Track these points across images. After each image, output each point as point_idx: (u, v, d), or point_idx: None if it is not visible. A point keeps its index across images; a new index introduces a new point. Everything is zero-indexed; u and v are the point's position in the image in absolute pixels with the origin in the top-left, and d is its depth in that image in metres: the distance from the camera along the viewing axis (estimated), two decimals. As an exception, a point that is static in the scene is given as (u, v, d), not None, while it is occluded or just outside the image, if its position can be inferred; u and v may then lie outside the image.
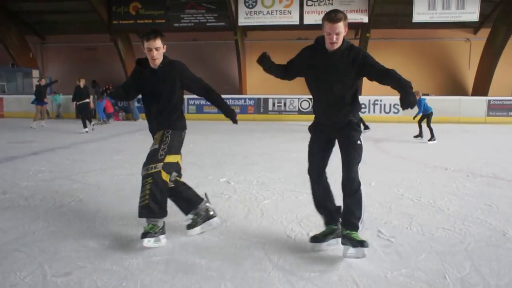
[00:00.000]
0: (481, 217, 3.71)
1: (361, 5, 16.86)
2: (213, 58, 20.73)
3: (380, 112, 16.13)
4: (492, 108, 15.98)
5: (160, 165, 3.00)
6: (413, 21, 16.89)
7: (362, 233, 2.85)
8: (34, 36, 21.76)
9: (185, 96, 13.64)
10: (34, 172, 5.82)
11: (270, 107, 16.83)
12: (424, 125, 9.87)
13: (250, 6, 17.37)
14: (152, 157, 3.04)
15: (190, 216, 3.27)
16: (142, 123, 15.37)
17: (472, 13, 16.36)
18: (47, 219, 3.65)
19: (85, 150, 8.23)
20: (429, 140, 9.43)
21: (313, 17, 17.12)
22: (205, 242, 3.10)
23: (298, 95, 16.63)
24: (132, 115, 17.00)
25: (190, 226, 3.25)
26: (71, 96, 17.41)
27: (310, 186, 3.08)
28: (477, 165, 6.37)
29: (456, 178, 5.40)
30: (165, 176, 3.03)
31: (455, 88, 19.61)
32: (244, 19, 17.52)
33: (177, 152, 3.22)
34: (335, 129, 2.91)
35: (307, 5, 17.23)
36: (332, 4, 16.90)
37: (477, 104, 16.21)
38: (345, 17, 2.75)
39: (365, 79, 2.92)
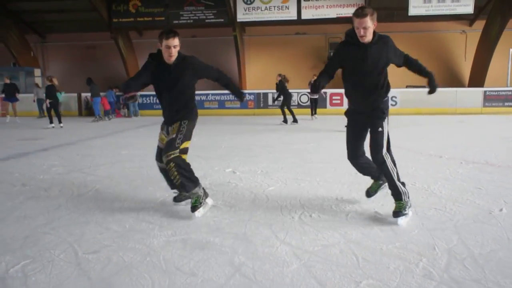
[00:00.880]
0: (470, 198, 4.00)
1: (357, 0, 17.10)
2: (212, 54, 20.94)
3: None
4: (488, 99, 16.29)
5: (177, 151, 3.42)
6: (409, 14, 17.17)
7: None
8: (34, 35, 21.97)
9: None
10: (48, 166, 6.10)
11: (270, 102, 17.10)
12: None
13: (248, 2, 17.59)
14: (170, 146, 3.42)
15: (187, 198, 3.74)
16: (142, 119, 15.68)
17: (467, 6, 16.62)
18: (69, 207, 3.94)
19: (92, 145, 8.51)
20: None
21: (310, 12, 17.37)
22: (216, 224, 3.39)
23: (297, 89, 16.88)
24: (128, 112, 17.21)
25: (194, 208, 3.53)
26: (72, 94, 17.77)
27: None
28: (470, 153, 6.67)
29: (450, 165, 5.69)
30: (184, 157, 3.50)
31: (451, 79, 19.89)
32: (242, 15, 17.75)
33: (190, 138, 3.62)
34: (366, 115, 3.36)
35: (304, 0, 17.45)
36: (329, -2, 17.13)
37: (473, 95, 16.52)
38: (372, 12, 3.09)
39: None
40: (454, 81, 19.76)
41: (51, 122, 12.43)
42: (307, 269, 2.52)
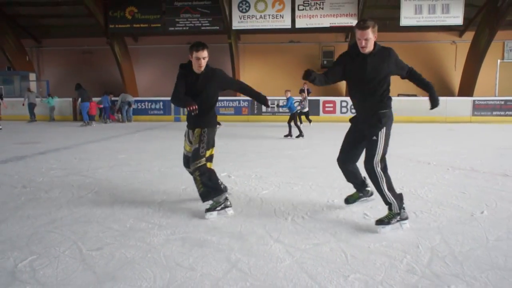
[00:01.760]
0: (454, 202, 4.21)
1: (350, 10, 17.47)
2: (208, 61, 21.16)
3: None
4: (477, 108, 16.65)
5: (203, 160, 3.69)
6: (400, 24, 17.54)
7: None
8: (30, 40, 22.05)
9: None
10: (46, 169, 6.22)
11: (264, 108, 17.32)
12: (293, 124, 10.84)
13: (244, 10, 17.88)
14: (196, 156, 3.69)
15: (210, 201, 3.78)
16: (136, 124, 15.81)
17: (456, 17, 17.05)
18: (70, 208, 4.08)
19: (89, 150, 8.63)
20: (296, 137, 10.60)
21: (304, 21, 17.69)
22: (214, 224, 3.56)
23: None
24: (122, 117, 17.32)
25: (208, 210, 3.74)
26: (67, 99, 17.83)
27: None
28: (457, 160, 6.91)
29: (437, 171, 5.92)
30: (209, 165, 3.75)
31: (442, 88, 20.28)
32: (237, 23, 18.02)
33: (213, 145, 3.86)
34: (366, 124, 3.46)
35: (298, 9, 17.79)
36: (323, 8, 17.48)
37: (463, 104, 16.88)
38: (374, 25, 3.27)
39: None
40: (444, 90, 20.16)
41: None
42: (299, 265, 2.69)
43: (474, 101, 16.78)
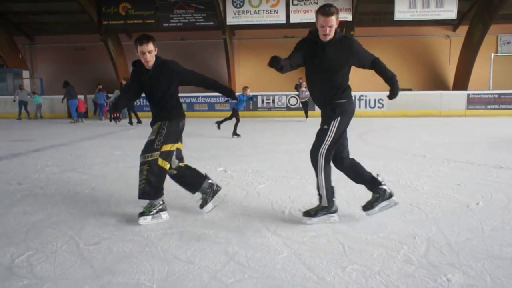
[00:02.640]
0: (450, 193, 4.24)
1: (345, 4, 17.45)
2: (202, 56, 21.11)
3: (366, 107, 16.76)
4: (472, 102, 16.74)
5: (156, 153, 3.36)
6: (395, 19, 17.57)
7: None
8: (22, 37, 21.86)
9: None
10: (41, 166, 6.19)
11: (259, 104, 17.31)
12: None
13: (238, 6, 17.82)
14: (149, 147, 3.39)
15: (198, 196, 3.72)
16: (125, 121, 15.74)
17: (450, 11, 17.11)
18: (66, 204, 4.07)
19: (84, 146, 8.59)
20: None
21: (299, 16, 17.66)
22: (211, 218, 3.56)
23: (286, 92, 17.16)
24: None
25: (202, 205, 3.69)
26: (58, 96, 17.65)
27: None
28: (452, 153, 6.95)
29: (433, 164, 5.95)
30: (161, 162, 3.39)
31: (436, 83, 20.39)
32: (232, 19, 17.97)
33: (175, 141, 3.51)
34: (322, 114, 3.35)
35: (293, 4, 17.76)
36: (317, 3, 17.46)
37: (457, 98, 16.97)
38: (337, 11, 3.10)
39: (352, 74, 3.39)
40: (439, 84, 20.26)
41: None
42: (296, 256, 2.70)
43: (468, 94, 16.86)
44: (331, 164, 3.38)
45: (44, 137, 10.51)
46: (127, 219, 3.54)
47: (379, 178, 3.44)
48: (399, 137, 9.49)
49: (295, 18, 17.80)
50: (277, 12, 17.82)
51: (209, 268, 2.54)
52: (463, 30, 19.47)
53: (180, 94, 3.70)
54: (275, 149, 7.72)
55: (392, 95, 3.32)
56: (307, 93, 13.49)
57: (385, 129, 11.06)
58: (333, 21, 3.05)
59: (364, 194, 4.07)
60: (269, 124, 13.52)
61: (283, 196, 4.24)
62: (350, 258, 2.66)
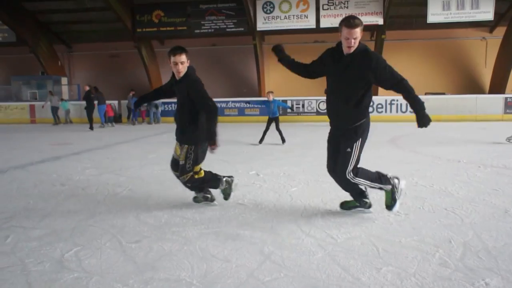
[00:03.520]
0: (487, 199, 4.16)
1: (376, 8, 17.28)
2: (232, 62, 21.39)
3: (397, 111, 16.49)
4: (509, 106, 16.15)
5: (190, 174, 3.79)
6: (428, 21, 17.22)
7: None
8: (62, 45, 22.84)
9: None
10: (81, 168, 6.48)
11: (288, 109, 17.30)
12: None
13: (268, 11, 17.98)
14: (183, 170, 3.77)
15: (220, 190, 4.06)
16: (163, 126, 16.12)
17: (487, 12, 16.60)
18: (107, 204, 4.27)
19: (119, 150, 8.91)
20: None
21: (329, 20, 17.62)
22: (245, 219, 3.65)
23: (315, 96, 17.11)
24: (148, 119, 17.73)
25: (225, 195, 4.07)
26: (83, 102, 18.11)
27: None
28: (489, 158, 6.77)
29: (468, 169, 5.83)
30: (196, 175, 3.85)
31: (471, 86, 19.78)
32: (262, 24, 18.14)
33: (202, 160, 3.85)
34: (338, 130, 3.38)
35: (323, 9, 17.75)
36: (347, 7, 17.36)
37: (494, 102, 16.41)
38: (362, 23, 3.11)
39: None
40: (474, 88, 19.65)
41: None
42: (331, 257, 2.75)
43: (506, 98, 16.27)
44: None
45: (80, 141, 10.95)
46: (165, 219, 3.68)
47: (366, 192, 3.62)
48: (432, 142, 9.29)
49: (325, 23, 17.77)
50: (307, 17, 17.85)
51: (246, 267, 2.63)
52: (500, 31, 18.82)
53: (216, 99, 3.83)
54: (306, 154, 7.75)
55: (419, 124, 3.14)
56: None
57: (417, 133, 10.85)
58: (358, 33, 3.05)
59: (401, 199, 4.06)
60: (299, 128, 13.52)
61: (316, 199, 4.29)
62: (385, 260, 2.68)
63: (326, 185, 4.94)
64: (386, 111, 16.44)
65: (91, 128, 14.23)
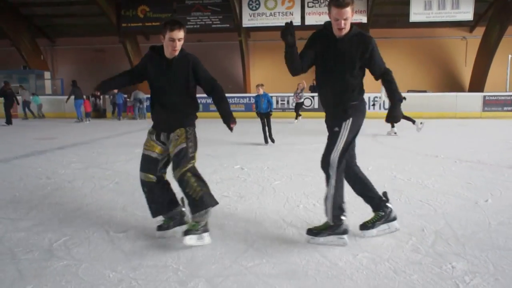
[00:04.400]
0: (460, 191, 4.38)
1: (360, 6, 17.53)
2: (218, 58, 21.42)
3: (380, 108, 16.79)
4: (488, 103, 16.62)
5: (192, 161, 2.99)
6: (410, 20, 17.57)
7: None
8: (44, 39, 22.51)
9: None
10: (66, 162, 6.51)
11: (274, 105, 17.44)
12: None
13: (254, 8, 18.06)
14: (185, 157, 2.95)
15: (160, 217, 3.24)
16: (149, 121, 16.12)
17: (466, 13, 17.03)
18: (94, 196, 4.34)
19: (105, 145, 8.92)
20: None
21: (314, 18, 17.81)
22: (230, 211, 3.77)
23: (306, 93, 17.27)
24: (133, 115, 17.70)
25: (161, 227, 3.19)
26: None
27: None
28: (465, 153, 7.03)
29: (444, 164, 6.06)
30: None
31: (452, 84, 20.27)
32: (248, 21, 18.22)
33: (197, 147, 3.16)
34: (331, 114, 3.04)
35: (308, 6, 17.92)
36: (332, 5, 17.54)
37: (473, 99, 16.86)
38: (352, 1, 2.77)
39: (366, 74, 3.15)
40: (455, 86, 20.14)
41: None
42: (311, 245, 2.90)
43: (484, 96, 16.74)
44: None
45: (65, 135, 10.90)
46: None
47: (387, 197, 3.17)
48: (413, 138, 9.56)
49: (310, 20, 17.95)
50: (292, 14, 18.00)
51: (230, 254, 2.76)
52: (480, 31, 19.34)
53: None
54: (290, 149, 7.91)
55: (388, 117, 2.96)
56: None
57: (399, 130, 11.11)
58: (348, 12, 2.73)
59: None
60: (283, 125, 13.68)
61: (298, 191, 4.44)
62: (361, 247, 2.84)
63: (308, 178, 5.11)
64: (369, 108, 16.69)
65: (8, 123, 14.21)
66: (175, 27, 2.94)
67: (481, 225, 3.27)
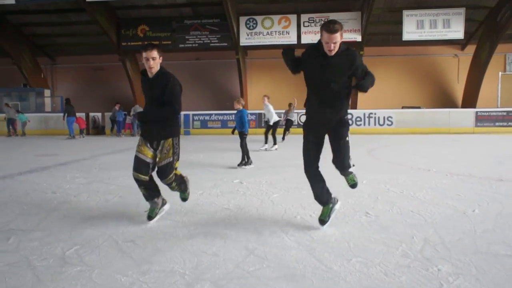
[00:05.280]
0: (449, 202, 4.60)
1: (354, 25, 18.04)
2: (215, 76, 21.81)
3: (375, 124, 17.13)
4: (480, 119, 17.00)
5: (174, 170, 3.91)
6: (403, 39, 18.06)
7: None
8: (45, 58, 22.87)
9: (190, 112, 14.82)
10: (70, 178, 6.70)
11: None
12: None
13: (251, 27, 18.53)
14: (170, 169, 3.83)
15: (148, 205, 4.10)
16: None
17: (457, 32, 17.56)
18: (100, 209, 4.53)
19: (106, 161, 9.12)
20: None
21: (310, 37, 18.28)
22: (231, 222, 3.97)
23: (297, 110, 17.58)
24: (132, 132, 17.96)
25: (150, 216, 3.98)
26: (81, 114, 18.44)
27: (310, 183, 3.75)
28: (456, 167, 7.28)
29: (436, 177, 6.30)
30: (177, 172, 4.01)
31: (445, 101, 20.69)
32: (245, 40, 18.67)
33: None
34: (328, 126, 3.50)
35: (304, 26, 18.42)
36: (327, 24, 18.03)
37: (466, 115, 17.25)
38: (341, 27, 3.19)
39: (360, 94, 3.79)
40: (448, 102, 20.56)
41: None
42: (308, 252, 3.10)
43: (476, 112, 17.14)
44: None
45: (66, 152, 11.09)
46: (156, 222, 3.98)
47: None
48: (407, 153, 9.83)
49: (306, 39, 18.43)
50: (288, 33, 18.48)
51: (232, 260, 2.96)
52: (471, 49, 19.86)
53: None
54: (287, 164, 8.13)
55: (357, 85, 3.30)
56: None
57: (393, 145, 11.41)
58: (338, 37, 3.14)
59: (370, 202, 4.47)
60: (280, 140, 13.94)
61: (295, 203, 4.65)
62: (355, 253, 3.05)
63: (305, 191, 5.28)
64: (364, 124, 17.03)
65: None
66: (148, 48, 3.55)
67: (467, 233, 3.48)
